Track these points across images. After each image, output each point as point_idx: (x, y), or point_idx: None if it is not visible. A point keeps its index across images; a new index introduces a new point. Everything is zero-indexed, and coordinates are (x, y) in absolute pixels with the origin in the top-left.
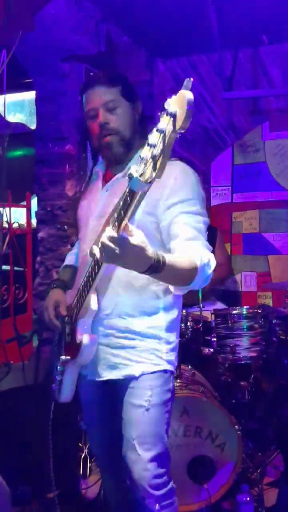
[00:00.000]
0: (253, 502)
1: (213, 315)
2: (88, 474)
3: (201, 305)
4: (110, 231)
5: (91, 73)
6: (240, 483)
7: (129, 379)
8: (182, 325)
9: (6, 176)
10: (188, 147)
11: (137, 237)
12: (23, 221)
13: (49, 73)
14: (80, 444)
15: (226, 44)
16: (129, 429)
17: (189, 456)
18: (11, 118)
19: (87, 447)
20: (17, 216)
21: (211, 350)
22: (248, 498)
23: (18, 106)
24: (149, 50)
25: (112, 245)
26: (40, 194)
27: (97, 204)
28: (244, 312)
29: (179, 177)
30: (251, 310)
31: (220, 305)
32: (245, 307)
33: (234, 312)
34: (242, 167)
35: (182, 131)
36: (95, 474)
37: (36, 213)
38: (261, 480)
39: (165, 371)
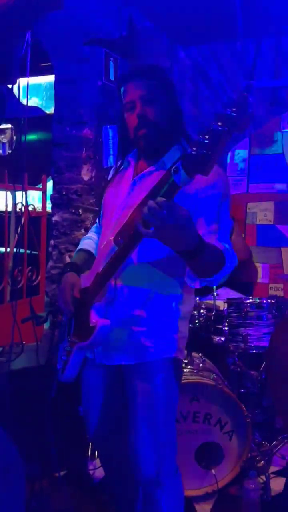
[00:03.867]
0: (259, 490)
1: (226, 304)
2: (96, 456)
3: (215, 293)
4: (161, 198)
5: (111, 58)
6: (247, 470)
7: (140, 364)
8: (195, 312)
9: (21, 159)
10: None
11: (185, 211)
12: (36, 204)
13: (69, 56)
14: None
15: (248, 33)
16: (137, 415)
17: (198, 442)
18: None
19: None
20: (30, 199)
21: (222, 338)
22: (255, 485)
23: (34, 90)
24: (170, 36)
25: (161, 213)
26: (56, 177)
27: (125, 194)
28: (258, 302)
29: (211, 177)
30: (265, 300)
31: (233, 294)
32: (259, 297)
33: (248, 301)
34: (259, 158)
35: (240, 132)
36: None
37: (51, 196)
38: (267, 468)
39: (176, 358)
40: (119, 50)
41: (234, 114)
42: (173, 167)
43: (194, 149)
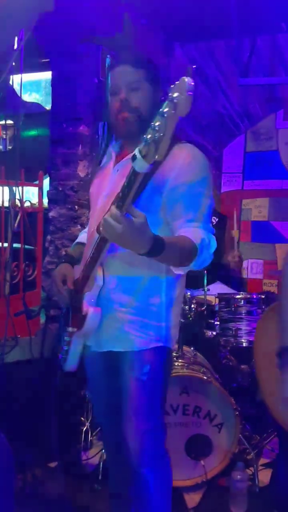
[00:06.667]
0: (247, 481)
1: (217, 299)
2: (89, 447)
3: (205, 288)
4: (114, 209)
5: (108, 55)
6: (236, 462)
7: (130, 352)
8: (186, 307)
9: (20, 155)
10: (202, 132)
11: (139, 219)
12: (35, 200)
13: (66, 53)
14: (82, 418)
15: (244, 30)
16: (127, 401)
17: (187, 434)
18: (27, 97)
19: (89, 421)
20: (29, 195)
21: (214, 333)
22: (242, 476)
23: (34, 86)
24: (167, 34)
25: (113, 222)
26: (53, 174)
27: (108, 183)
28: (248, 297)
29: (187, 159)
30: (255, 296)
31: (225, 289)
32: (249, 292)
33: (238, 296)
34: (254, 155)
35: (182, 116)
36: (96, 447)
37: (48, 192)
38: (256, 460)
39: (164, 347)
40: (115, 48)
41: (175, 98)
42: (132, 155)
43: (149, 135)
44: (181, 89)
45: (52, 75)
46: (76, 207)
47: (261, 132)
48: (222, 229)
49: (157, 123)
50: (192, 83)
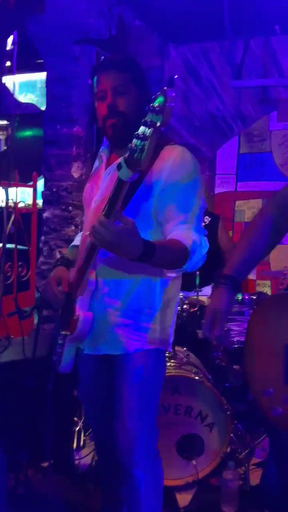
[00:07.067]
0: (238, 480)
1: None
2: (81, 447)
3: (197, 289)
4: (102, 217)
5: (102, 57)
6: (227, 461)
7: (123, 355)
8: (179, 308)
9: (15, 155)
10: (195, 134)
11: (127, 226)
12: (29, 200)
13: (60, 55)
14: (75, 418)
15: (238, 32)
16: (119, 403)
17: (179, 434)
18: (22, 98)
19: (81, 421)
20: (25, 196)
21: None
22: (234, 476)
23: (29, 87)
24: (161, 35)
25: (101, 230)
26: (47, 174)
27: (99, 187)
28: (240, 298)
29: (177, 160)
30: (246, 297)
31: None
32: (241, 293)
33: None
34: (247, 156)
35: (165, 126)
36: (88, 447)
37: (42, 193)
38: (248, 460)
39: (158, 349)
40: (109, 49)
41: (157, 108)
42: (117, 164)
43: (134, 145)
44: (162, 100)
45: (47, 76)
46: (70, 208)
47: (254, 134)
48: (214, 228)
49: (140, 132)
50: (173, 94)
